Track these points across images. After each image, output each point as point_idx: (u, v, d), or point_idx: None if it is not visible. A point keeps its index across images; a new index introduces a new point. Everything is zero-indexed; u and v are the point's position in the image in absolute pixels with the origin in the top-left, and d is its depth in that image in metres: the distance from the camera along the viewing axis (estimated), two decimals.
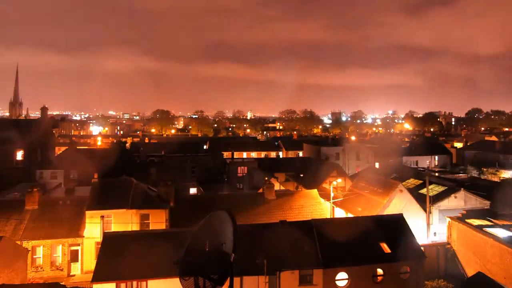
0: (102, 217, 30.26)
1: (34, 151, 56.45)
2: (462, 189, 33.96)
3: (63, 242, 30.24)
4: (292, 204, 34.01)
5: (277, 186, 40.41)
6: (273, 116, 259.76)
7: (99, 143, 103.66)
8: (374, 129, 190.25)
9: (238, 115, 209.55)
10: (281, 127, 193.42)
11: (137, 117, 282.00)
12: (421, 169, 60.30)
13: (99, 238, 28.75)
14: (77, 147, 69.82)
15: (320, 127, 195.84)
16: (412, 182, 39.72)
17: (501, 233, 25.82)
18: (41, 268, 29.53)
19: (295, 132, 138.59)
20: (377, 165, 65.34)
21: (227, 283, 3.95)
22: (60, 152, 68.29)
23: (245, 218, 30.80)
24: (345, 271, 23.32)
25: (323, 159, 60.16)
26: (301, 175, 50.42)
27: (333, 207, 36.93)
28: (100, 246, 24.20)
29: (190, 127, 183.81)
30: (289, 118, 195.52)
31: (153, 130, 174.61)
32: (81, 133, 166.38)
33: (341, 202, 36.80)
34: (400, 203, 32.10)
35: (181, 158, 56.85)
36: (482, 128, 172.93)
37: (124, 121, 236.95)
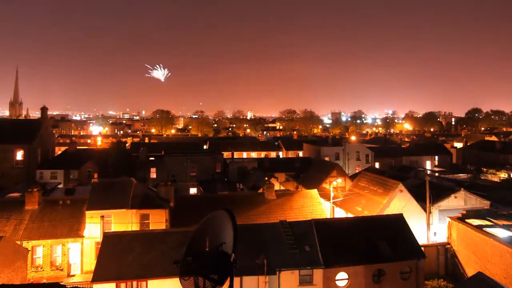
0: (102, 217, 30.26)
1: (34, 151, 56.44)
2: (462, 189, 33.95)
3: (63, 242, 30.23)
4: (292, 204, 34.00)
5: (277, 186, 40.41)
6: (273, 116, 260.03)
7: (99, 143, 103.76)
8: (374, 129, 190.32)
9: (238, 115, 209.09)
10: (281, 127, 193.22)
11: (137, 117, 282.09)
12: (421, 169, 60.30)
13: (99, 238, 28.76)
14: (77, 147, 69.76)
15: (320, 127, 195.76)
16: None
17: (501, 233, 25.81)
18: (41, 268, 29.52)
19: (295, 132, 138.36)
20: (377, 165, 65.39)
21: (227, 283, 3.95)
22: (60, 152, 68.34)
23: (245, 218, 30.81)
24: (345, 271, 23.34)
25: (323, 159, 60.18)
26: (301, 175, 50.40)
27: (333, 207, 36.95)
28: (100, 246, 24.20)
29: (190, 127, 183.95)
30: (289, 118, 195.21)
31: (153, 130, 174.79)
32: (81, 133, 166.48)
33: (341, 202, 36.81)
34: (400, 203, 32.12)
35: (181, 158, 56.79)
36: (482, 128, 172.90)
37: (124, 121, 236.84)
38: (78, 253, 30.52)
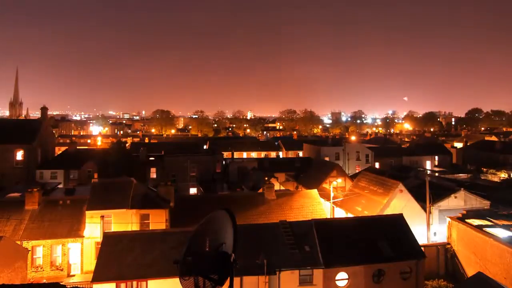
0: (102, 217, 30.26)
1: (34, 151, 56.44)
2: (462, 189, 33.96)
3: (63, 242, 30.23)
4: (292, 204, 34.00)
5: (277, 186, 40.40)
6: (273, 116, 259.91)
7: (99, 143, 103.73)
8: (374, 129, 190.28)
9: (238, 115, 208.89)
10: (281, 127, 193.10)
11: (137, 117, 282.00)
12: (421, 169, 60.30)
13: (99, 238, 28.76)
14: (77, 147, 69.72)
15: (320, 127, 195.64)
16: None
17: (501, 233, 25.82)
18: (41, 268, 29.53)
19: (295, 132, 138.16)
20: (377, 165, 65.40)
21: (227, 283, 3.94)
22: (60, 152, 68.33)
23: (245, 218, 30.81)
24: (345, 271, 23.34)
25: (323, 159, 60.16)
26: (301, 175, 50.41)
27: (333, 207, 36.95)
28: (100, 246, 24.20)
29: (190, 127, 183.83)
30: (289, 118, 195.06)
31: (153, 130, 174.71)
32: (81, 133, 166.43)
33: (341, 202, 36.82)
34: (400, 203, 32.12)
35: (181, 158, 56.80)
36: (482, 128, 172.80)
37: (124, 121, 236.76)
38: (78, 253, 30.52)
